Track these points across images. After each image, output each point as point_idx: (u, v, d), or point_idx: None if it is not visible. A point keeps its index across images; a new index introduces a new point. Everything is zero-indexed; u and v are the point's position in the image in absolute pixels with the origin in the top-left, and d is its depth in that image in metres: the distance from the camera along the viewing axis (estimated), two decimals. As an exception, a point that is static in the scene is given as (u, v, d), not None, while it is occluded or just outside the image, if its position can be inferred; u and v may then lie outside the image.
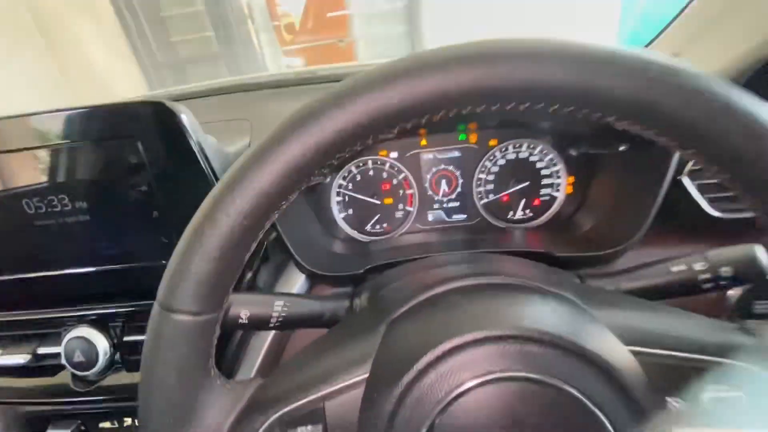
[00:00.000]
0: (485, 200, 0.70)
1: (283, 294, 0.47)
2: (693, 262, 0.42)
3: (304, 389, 0.30)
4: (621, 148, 0.55)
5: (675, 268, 0.42)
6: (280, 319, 0.44)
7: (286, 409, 0.30)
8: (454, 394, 0.27)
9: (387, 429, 0.27)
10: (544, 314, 0.31)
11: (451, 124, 0.67)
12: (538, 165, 0.68)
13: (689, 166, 0.54)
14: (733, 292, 0.53)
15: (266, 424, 0.29)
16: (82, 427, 0.61)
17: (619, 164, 0.60)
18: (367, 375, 0.30)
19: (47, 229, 0.53)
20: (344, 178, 0.69)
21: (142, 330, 0.56)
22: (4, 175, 0.51)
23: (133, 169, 0.50)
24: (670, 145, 0.25)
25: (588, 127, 0.60)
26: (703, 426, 0.27)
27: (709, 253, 0.42)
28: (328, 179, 0.69)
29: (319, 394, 0.30)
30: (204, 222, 0.27)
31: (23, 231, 0.53)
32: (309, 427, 0.29)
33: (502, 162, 0.69)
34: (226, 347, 0.57)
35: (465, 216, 0.72)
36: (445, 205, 0.72)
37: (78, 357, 0.53)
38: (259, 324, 0.44)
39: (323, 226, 0.70)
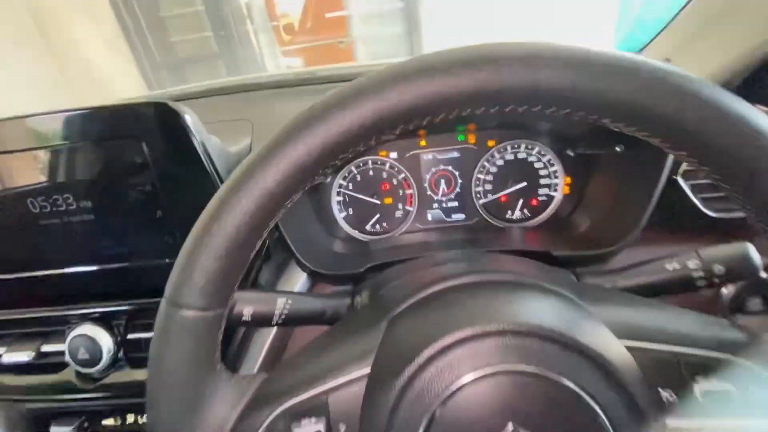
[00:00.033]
0: (484, 200, 0.71)
1: (285, 292, 0.47)
2: (687, 260, 0.43)
3: (308, 384, 0.31)
4: (617, 149, 0.56)
5: (669, 266, 0.43)
6: (282, 317, 0.45)
7: (290, 403, 0.31)
8: (454, 387, 0.28)
9: (389, 421, 0.28)
10: (541, 310, 0.32)
11: (450, 125, 0.68)
12: (536, 165, 0.69)
13: (684, 166, 0.55)
14: (727, 291, 0.54)
15: (271, 417, 0.30)
16: (85, 424, 0.61)
17: (616, 165, 0.61)
18: (369, 370, 0.31)
19: (52, 229, 0.53)
20: (344, 178, 0.70)
21: (145, 328, 0.57)
22: (9, 174, 0.52)
23: (137, 169, 0.50)
24: (663, 147, 0.26)
25: (585, 129, 0.61)
26: (695, 417, 0.28)
27: (702, 251, 0.42)
28: (329, 179, 0.70)
29: (323, 388, 0.31)
30: (211, 221, 0.28)
31: (28, 230, 0.54)
32: (313, 420, 0.30)
33: (500, 162, 0.70)
34: (230, 344, 0.57)
35: (464, 216, 0.73)
36: (444, 205, 0.73)
37: (82, 354, 0.54)
38: (262, 321, 0.45)
39: (324, 226, 0.71)
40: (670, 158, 0.53)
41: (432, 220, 0.73)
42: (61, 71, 1.91)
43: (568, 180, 0.68)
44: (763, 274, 0.48)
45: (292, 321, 0.46)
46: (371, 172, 0.70)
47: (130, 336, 0.57)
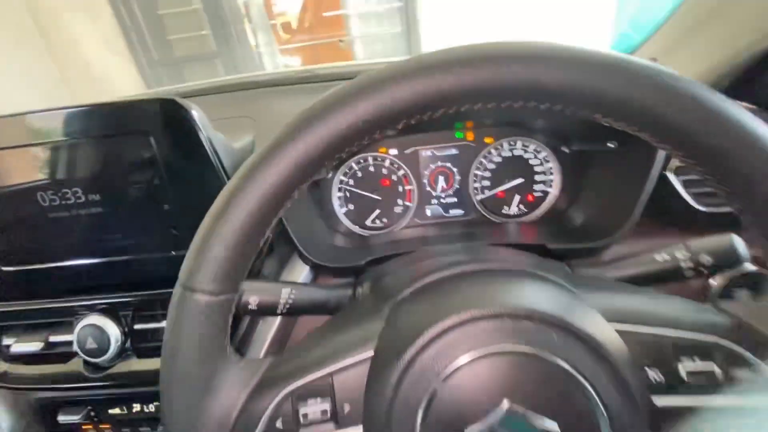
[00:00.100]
0: (481, 196, 0.73)
1: (290, 282, 0.49)
2: (675, 251, 0.45)
3: (314, 366, 0.33)
4: (610, 146, 0.58)
5: (659, 257, 0.45)
6: (287, 306, 0.47)
7: (297, 384, 0.32)
8: (453, 367, 0.29)
9: (392, 399, 0.30)
10: (536, 295, 0.34)
11: (448, 122, 0.69)
12: (532, 162, 0.71)
13: (675, 163, 0.57)
14: (716, 283, 0.56)
15: (279, 398, 0.32)
16: (92, 413, 0.63)
17: (609, 161, 0.62)
18: (372, 353, 0.33)
19: (60, 222, 0.55)
20: (345, 175, 0.72)
21: (151, 318, 0.58)
22: (19, 169, 0.53)
23: (145, 163, 0.52)
24: (651, 141, 0.28)
25: (579, 126, 0.63)
26: (680, 395, 0.30)
27: (690, 242, 0.44)
28: (330, 175, 0.71)
29: (328, 370, 0.32)
30: (223, 211, 0.29)
31: (37, 224, 0.55)
32: (318, 400, 0.32)
33: (497, 159, 0.71)
34: (235, 332, 0.59)
35: (462, 211, 0.74)
36: (442, 201, 0.74)
37: (90, 344, 0.55)
38: (267, 310, 0.46)
39: (325, 221, 0.72)
40: (661, 155, 0.55)
41: (431, 216, 0.74)
42: (60, 71, 1.91)
43: (563, 176, 0.70)
44: (748, 265, 0.50)
45: (296, 310, 0.48)
46: (371, 169, 0.72)
47: (137, 326, 0.59)
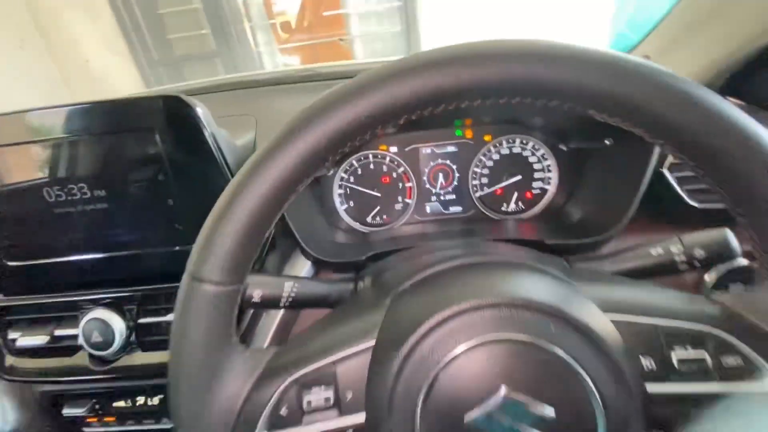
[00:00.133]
0: (480, 193, 0.74)
1: (292, 276, 0.50)
2: (670, 245, 0.46)
3: (317, 355, 0.34)
4: (606, 143, 0.59)
5: (654, 251, 0.46)
6: (289, 300, 0.47)
7: (301, 373, 0.33)
8: (453, 354, 0.30)
9: (393, 386, 0.31)
10: (533, 286, 0.35)
11: (448, 120, 0.70)
12: (530, 160, 0.72)
13: (669, 159, 0.58)
14: (709, 277, 0.57)
15: (283, 386, 0.33)
16: (97, 406, 0.63)
17: (606, 159, 0.63)
18: (374, 342, 0.34)
19: (66, 217, 0.56)
20: (346, 172, 0.73)
21: (156, 312, 0.59)
22: (25, 165, 0.54)
23: (150, 159, 0.53)
24: (646, 137, 0.29)
25: (576, 124, 0.64)
26: (672, 382, 0.31)
27: (684, 236, 0.45)
28: (331, 172, 0.72)
29: (331, 359, 0.33)
30: (229, 204, 0.30)
31: (43, 219, 0.56)
32: (322, 388, 0.33)
33: (496, 157, 0.72)
34: (239, 324, 0.59)
35: (461, 208, 0.75)
36: (442, 198, 0.75)
37: (96, 337, 0.56)
38: (270, 303, 0.47)
39: (326, 218, 0.73)
40: (657, 152, 0.56)
41: (430, 213, 0.75)
42: (60, 70, 1.91)
43: (561, 173, 0.71)
44: (741, 260, 0.51)
45: (298, 304, 0.49)
46: (372, 166, 0.73)
47: (141, 320, 0.59)
